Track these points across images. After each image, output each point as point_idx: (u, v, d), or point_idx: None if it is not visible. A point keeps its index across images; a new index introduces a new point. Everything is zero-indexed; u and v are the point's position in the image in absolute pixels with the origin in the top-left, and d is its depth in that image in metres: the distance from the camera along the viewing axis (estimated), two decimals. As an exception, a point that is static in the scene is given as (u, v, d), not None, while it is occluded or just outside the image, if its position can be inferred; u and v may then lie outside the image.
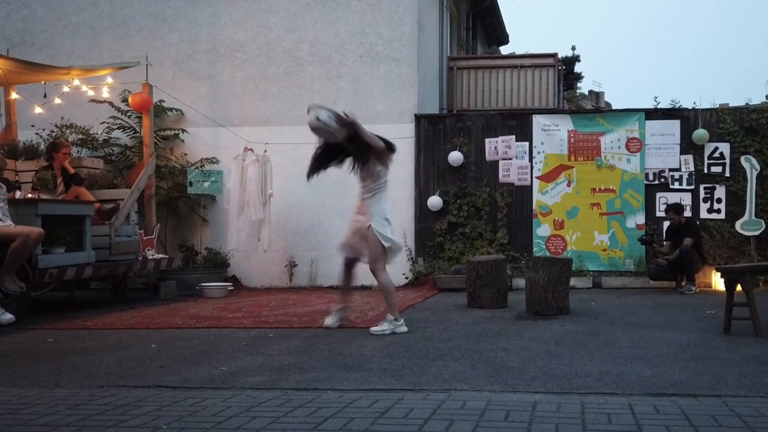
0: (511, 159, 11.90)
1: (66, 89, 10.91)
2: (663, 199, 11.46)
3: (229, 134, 12.14)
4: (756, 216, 11.22)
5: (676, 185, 11.51)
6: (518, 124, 12.02)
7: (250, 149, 11.58)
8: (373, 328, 6.60)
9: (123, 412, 3.82)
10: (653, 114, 11.76)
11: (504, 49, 22.68)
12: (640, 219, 11.55)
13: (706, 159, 11.49)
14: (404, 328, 6.60)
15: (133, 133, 12.10)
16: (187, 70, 12.61)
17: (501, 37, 21.68)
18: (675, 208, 10.74)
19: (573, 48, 32.94)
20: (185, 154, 12.40)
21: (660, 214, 11.42)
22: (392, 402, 3.95)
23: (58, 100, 10.94)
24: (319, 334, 6.64)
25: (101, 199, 9.91)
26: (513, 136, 11.94)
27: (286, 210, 12.22)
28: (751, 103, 13.83)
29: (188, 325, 7.51)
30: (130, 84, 11.34)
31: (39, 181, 9.54)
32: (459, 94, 14.63)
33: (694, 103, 13.68)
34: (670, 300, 9.41)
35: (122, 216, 9.89)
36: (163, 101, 12.14)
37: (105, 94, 11.49)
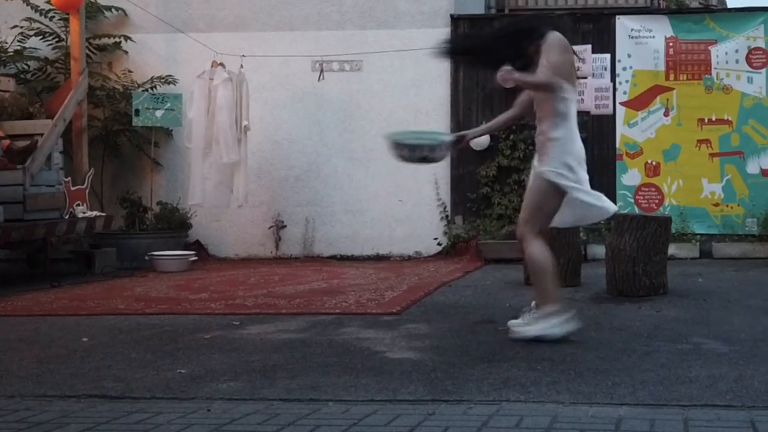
0: (585, 78, 11.77)
1: (-39, -20, 10.87)
2: (799, 134, 11.39)
3: (191, 43, 12.06)
4: None
5: (818, 114, 11.43)
6: (595, 29, 11.94)
7: (220, 64, 11.52)
8: (517, 326, 5.76)
9: (42, 432, 3.83)
10: (787, 14, 11.65)
11: None
12: (767, 162, 11.47)
13: None
14: (571, 326, 5.76)
15: (57, 42, 12.10)
16: (130, -47, 12.53)
17: None
18: None
19: None
20: (130, 71, 12.37)
21: (795, 154, 11.36)
22: (420, 418, 3.96)
23: (-50, -4, 10.94)
24: (317, 324, 6.65)
25: (11, 135, 9.93)
26: (588, 46, 11.82)
27: (271, 149, 12.18)
28: None
29: (134, 310, 7.54)
30: (51, -27, 11.29)
31: (-74, 109, 9.57)
32: (512, -15, 14.53)
33: None
34: (809, 275, 9.41)
35: (41, 157, 9.90)
36: (99, -4, 12.12)
37: (16, -14, 11.46)
